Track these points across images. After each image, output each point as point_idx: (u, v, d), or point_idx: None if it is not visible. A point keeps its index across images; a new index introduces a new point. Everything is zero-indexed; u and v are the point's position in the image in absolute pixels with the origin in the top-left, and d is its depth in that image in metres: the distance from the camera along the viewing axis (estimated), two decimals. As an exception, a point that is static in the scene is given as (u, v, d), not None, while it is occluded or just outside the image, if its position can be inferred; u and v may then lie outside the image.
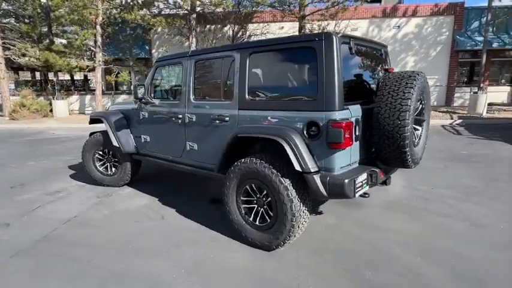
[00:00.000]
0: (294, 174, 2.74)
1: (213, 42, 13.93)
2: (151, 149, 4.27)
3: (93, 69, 14.29)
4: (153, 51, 16.72)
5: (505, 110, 13.47)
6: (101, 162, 4.94)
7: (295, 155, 2.62)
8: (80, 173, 5.60)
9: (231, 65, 3.20)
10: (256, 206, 3.02)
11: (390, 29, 15.97)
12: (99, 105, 14.03)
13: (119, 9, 14.05)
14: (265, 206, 2.96)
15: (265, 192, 2.89)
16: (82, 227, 3.59)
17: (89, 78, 19.88)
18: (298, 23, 12.27)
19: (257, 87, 3.07)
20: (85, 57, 14.03)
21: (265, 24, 14.07)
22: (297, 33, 12.65)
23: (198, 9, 12.57)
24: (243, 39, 14.60)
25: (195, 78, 3.58)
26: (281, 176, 2.71)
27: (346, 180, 2.53)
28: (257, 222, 3.00)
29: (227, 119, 3.21)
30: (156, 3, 13.48)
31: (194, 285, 2.53)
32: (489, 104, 13.10)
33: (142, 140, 4.33)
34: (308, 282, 2.52)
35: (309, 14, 12.14)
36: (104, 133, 4.73)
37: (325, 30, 11.63)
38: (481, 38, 15.49)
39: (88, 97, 16.25)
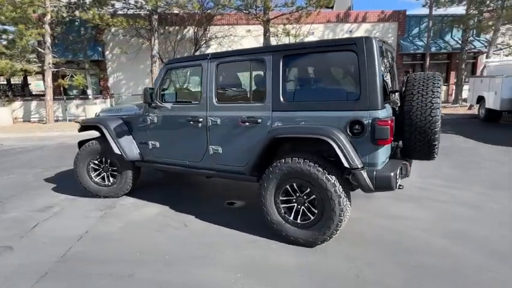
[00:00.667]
0: (337, 171, 2.88)
1: (175, 44, 13.56)
2: (162, 155, 4.09)
3: (40, 73, 13.01)
4: (107, 52, 15.74)
5: (444, 107, 15.19)
6: (97, 173, 4.59)
7: (343, 152, 2.76)
8: (63, 186, 5.13)
9: (262, 67, 3.24)
10: (296, 204, 3.10)
11: (343, 33, 16.97)
12: (50, 112, 12.81)
13: (68, 7, 12.99)
14: (305, 204, 3.05)
15: (308, 190, 2.98)
16: (101, 242, 3.33)
17: (29, 82, 17.98)
18: (262, 26, 12.49)
19: (292, 88, 3.15)
20: (31, 59, 12.70)
21: (229, 26, 14.08)
22: (261, 36, 12.87)
23: (159, 9, 12.13)
24: (206, 41, 14.45)
25: (217, 81, 3.54)
26: (327, 173, 2.83)
27: (392, 173, 2.75)
28: (298, 221, 3.08)
29: (259, 120, 3.23)
30: (111, 2, 12.72)
31: (259, 287, 2.52)
32: (432, 102, 14.66)
33: (150, 146, 4.12)
34: (364, 271, 2.67)
35: (273, 18, 12.45)
36: (101, 141, 4.41)
37: (290, 33, 12.05)
38: (420, 43, 17.27)
39: (34, 103, 14.70)
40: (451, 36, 17.21)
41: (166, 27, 13.37)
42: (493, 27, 13.38)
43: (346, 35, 17.07)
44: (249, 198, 4.42)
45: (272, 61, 3.17)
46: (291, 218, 3.11)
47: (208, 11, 12.54)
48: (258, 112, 3.26)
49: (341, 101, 2.90)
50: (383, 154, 2.86)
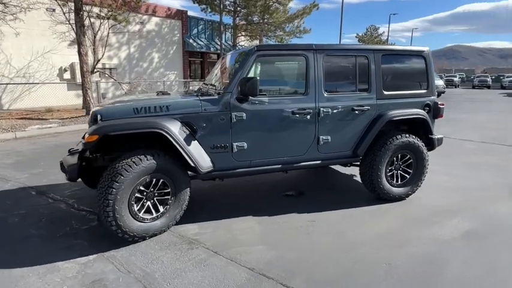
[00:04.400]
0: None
1: None
2: (249, 157, 3.46)
3: None
4: None
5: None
6: (140, 204, 3.03)
7: (430, 126, 4.04)
8: (23, 248, 2.87)
9: (365, 62, 3.77)
10: (394, 171, 4.03)
11: (135, 24, 16.23)
12: None
13: None
14: (400, 168, 4.06)
15: (407, 157, 4.01)
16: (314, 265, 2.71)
17: None
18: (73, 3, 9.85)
19: (387, 81, 3.92)
20: None
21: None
22: (73, 15, 10.07)
23: None
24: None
25: (325, 73, 3.61)
26: (421, 141, 4.01)
27: (442, 135, 4.35)
28: (399, 182, 4.04)
29: (368, 108, 3.79)
30: None
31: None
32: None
33: (235, 149, 3.36)
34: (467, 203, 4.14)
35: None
36: (155, 153, 3.01)
37: (118, 19, 10.34)
38: (201, 42, 19.61)
39: None
40: (225, 40, 20.76)
41: None
42: (258, 36, 17.78)
43: (138, 26, 16.48)
44: (287, 187, 4.58)
45: (374, 58, 3.81)
46: (394, 181, 4.02)
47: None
48: (366, 101, 3.80)
49: (418, 91, 4.11)
50: (433, 125, 4.38)
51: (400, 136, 3.89)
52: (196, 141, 3.24)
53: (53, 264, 2.71)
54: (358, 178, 4.93)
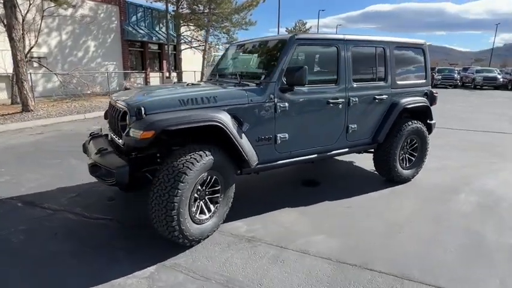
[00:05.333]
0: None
1: None
2: (289, 149, 3.40)
3: None
4: None
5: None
6: (196, 205, 2.78)
7: (431, 112, 4.45)
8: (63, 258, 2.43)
9: (382, 54, 3.97)
10: (403, 154, 4.37)
11: (67, 8, 14.33)
12: None
13: None
14: (408, 152, 4.42)
15: (414, 141, 4.37)
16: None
17: None
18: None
19: (397, 72, 4.19)
20: None
21: None
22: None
23: None
24: None
25: (352, 63, 3.71)
26: (424, 127, 4.42)
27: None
28: (408, 165, 4.40)
29: (385, 97, 4.01)
30: None
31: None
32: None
33: (279, 141, 3.28)
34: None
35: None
36: (212, 149, 2.78)
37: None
38: (142, 31, 18.23)
39: None
40: (171, 29, 19.56)
41: None
42: (205, 27, 17.21)
43: (71, 10, 14.60)
44: (298, 178, 4.65)
45: (389, 50, 4.03)
46: (404, 164, 4.36)
47: None
48: (384, 90, 4.02)
49: (419, 80, 4.48)
50: (429, 111, 4.82)
51: (411, 122, 4.23)
52: (244, 134, 3.07)
53: (112, 283, 2.34)
54: (358, 164, 5.27)
